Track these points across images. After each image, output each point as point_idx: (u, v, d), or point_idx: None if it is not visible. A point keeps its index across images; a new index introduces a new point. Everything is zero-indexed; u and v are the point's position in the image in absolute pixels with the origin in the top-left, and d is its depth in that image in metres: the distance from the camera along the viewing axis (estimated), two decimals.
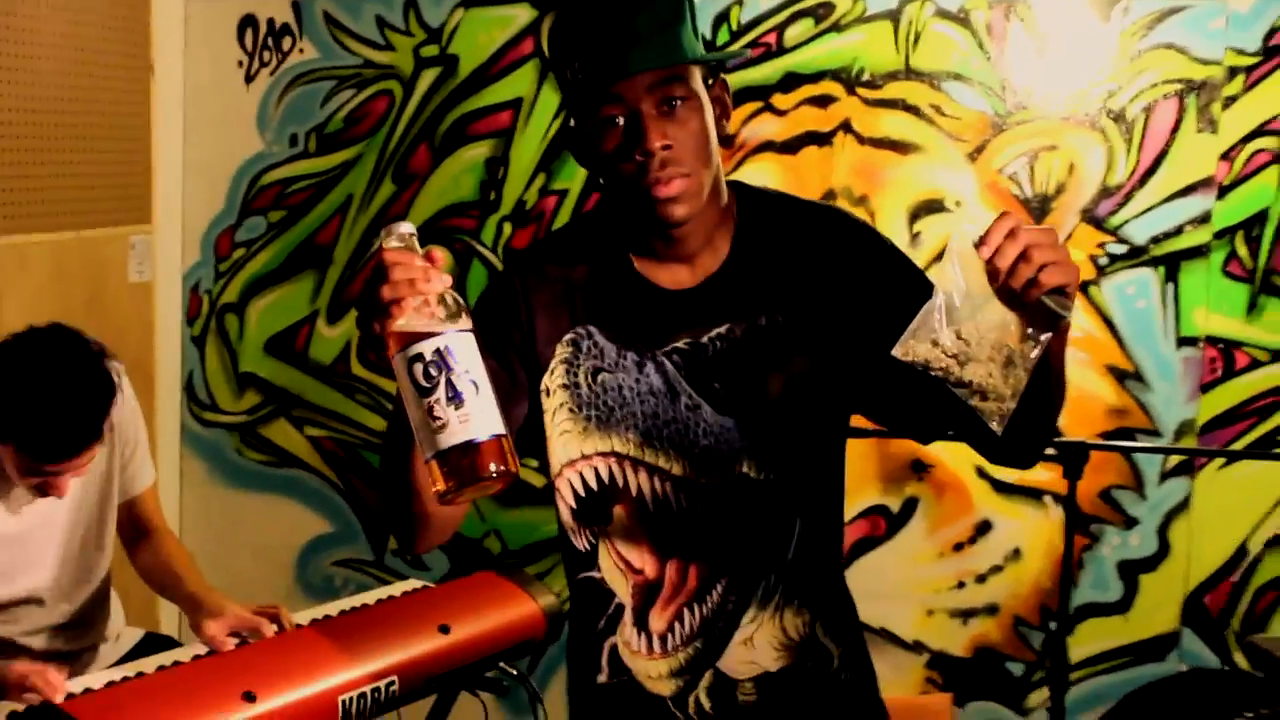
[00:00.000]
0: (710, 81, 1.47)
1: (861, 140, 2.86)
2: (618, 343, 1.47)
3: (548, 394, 1.47)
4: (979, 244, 1.24)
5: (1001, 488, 2.89)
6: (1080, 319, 2.75)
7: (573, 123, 1.48)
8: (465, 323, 1.21)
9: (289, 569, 3.22)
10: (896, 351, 1.25)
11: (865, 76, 2.85)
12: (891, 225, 2.84)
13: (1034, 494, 2.89)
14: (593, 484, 1.47)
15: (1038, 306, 1.24)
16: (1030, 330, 1.25)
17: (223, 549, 3.21)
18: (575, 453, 1.47)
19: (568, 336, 1.48)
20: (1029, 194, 2.82)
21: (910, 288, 1.42)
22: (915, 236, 2.86)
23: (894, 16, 2.81)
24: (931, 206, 2.86)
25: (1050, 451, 2.43)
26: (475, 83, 3.03)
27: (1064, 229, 2.79)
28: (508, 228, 3.06)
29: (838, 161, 2.87)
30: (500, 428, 1.19)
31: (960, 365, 1.25)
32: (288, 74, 3.13)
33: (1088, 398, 2.80)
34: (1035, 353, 1.25)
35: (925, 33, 2.81)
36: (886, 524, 2.95)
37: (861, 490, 2.92)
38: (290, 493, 3.23)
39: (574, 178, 3.00)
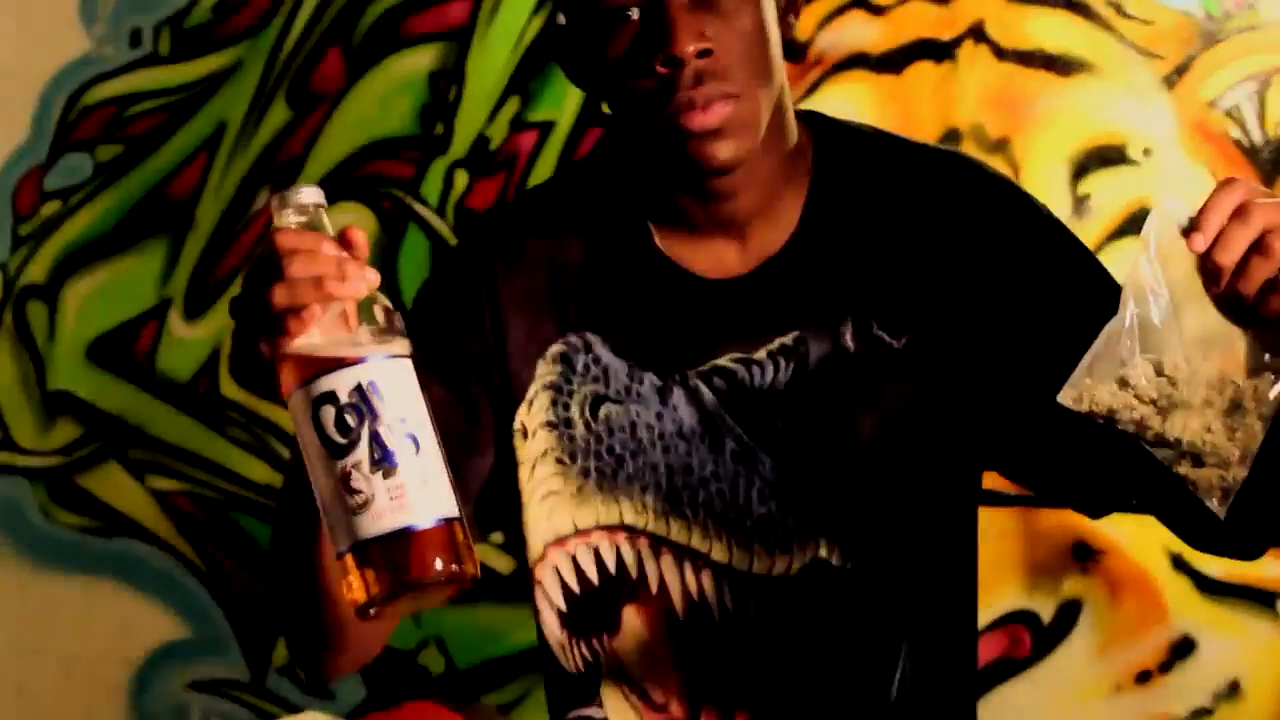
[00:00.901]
0: None
1: (1001, 54, 2.88)
2: (630, 359, 1.51)
3: (525, 435, 1.52)
4: (1190, 229, 1.26)
5: (1211, 587, 2.89)
6: None
7: (562, 18, 1.52)
8: (400, 344, 1.25)
9: (120, 693, 3.23)
10: (1065, 398, 1.27)
11: None
12: (1045, 183, 2.86)
13: (1263, 598, 2.89)
14: (592, 573, 1.51)
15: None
16: (1269, 359, 1.28)
17: (16, 661, 3.23)
18: (567, 526, 1.51)
19: (554, 349, 1.52)
20: (1258, 139, 2.84)
21: (1081, 288, 1.47)
22: (1080, 202, 2.88)
23: None
24: (1107, 156, 2.87)
25: None
26: None
27: None
28: (462, 178, 3.07)
29: (964, 85, 2.88)
30: (451, 507, 1.21)
31: (1162, 415, 1.27)
32: None
33: None
34: (1276, 393, 1.28)
35: None
36: (1034, 639, 2.94)
37: (997, 587, 2.93)
38: (123, 575, 3.22)
39: (564, 104, 3.03)
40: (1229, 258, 1.23)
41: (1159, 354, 1.26)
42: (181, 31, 3.11)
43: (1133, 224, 2.83)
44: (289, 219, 1.28)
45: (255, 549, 3.10)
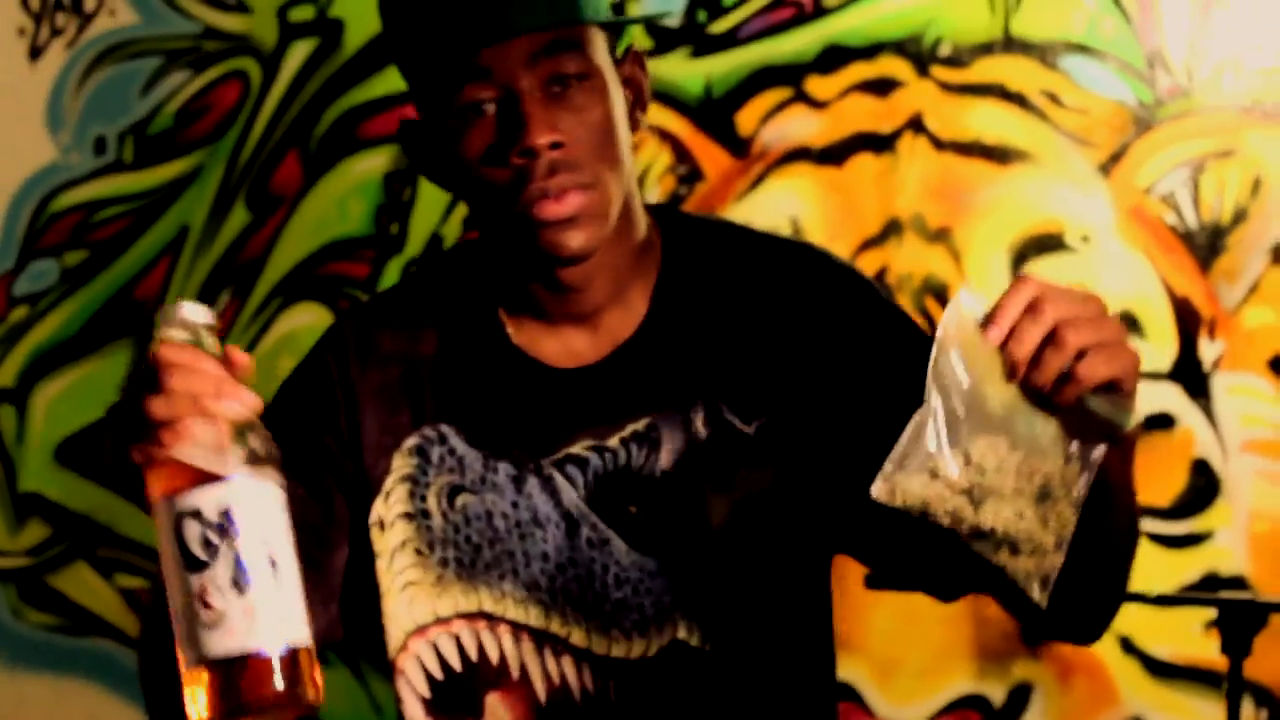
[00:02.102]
0: (620, 57, 1.53)
1: (940, 145, 2.91)
2: (485, 449, 1.52)
3: (382, 528, 1.52)
4: (985, 322, 1.26)
5: (1159, 669, 2.90)
6: (1266, 409, 2.80)
7: (419, 116, 1.53)
8: (271, 472, 1.24)
9: None
10: (878, 491, 1.28)
11: (945, 50, 2.89)
12: (986, 271, 2.90)
13: (1210, 679, 2.86)
14: (454, 661, 1.51)
15: (1081, 411, 1.26)
16: (1074, 447, 1.28)
17: None
18: (427, 615, 1.52)
19: (410, 442, 1.52)
20: (1193, 224, 2.86)
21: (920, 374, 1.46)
22: None
23: None
24: (1045, 243, 2.90)
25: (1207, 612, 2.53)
26: (368, 61, 3.08)
27: (1246, 275, 2.83)
28: None
29: (905, 176, 2.91)
30: (303, 634, 1.22)
31: (975, 505, 1.27)
32: (92, 47, 3.18)
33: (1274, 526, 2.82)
34: (1084, 481, 1.28)
35: None
36: None
37: (948, 672, 2.95)
38: (93, 673, 3.22)
39: None
40: (1023, 351, 1.23)
41: (966, 444, 1.26)
42: (145, 138, 3.15)
43: None
44: (174, 333, 1.25)
45: None
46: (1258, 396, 2.81)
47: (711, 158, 2.91)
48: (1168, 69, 2.83)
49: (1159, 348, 2.81)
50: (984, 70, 2.87)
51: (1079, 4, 2.84)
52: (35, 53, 3.16)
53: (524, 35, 1.42)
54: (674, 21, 2.92)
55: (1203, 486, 2.83)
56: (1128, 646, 2.88)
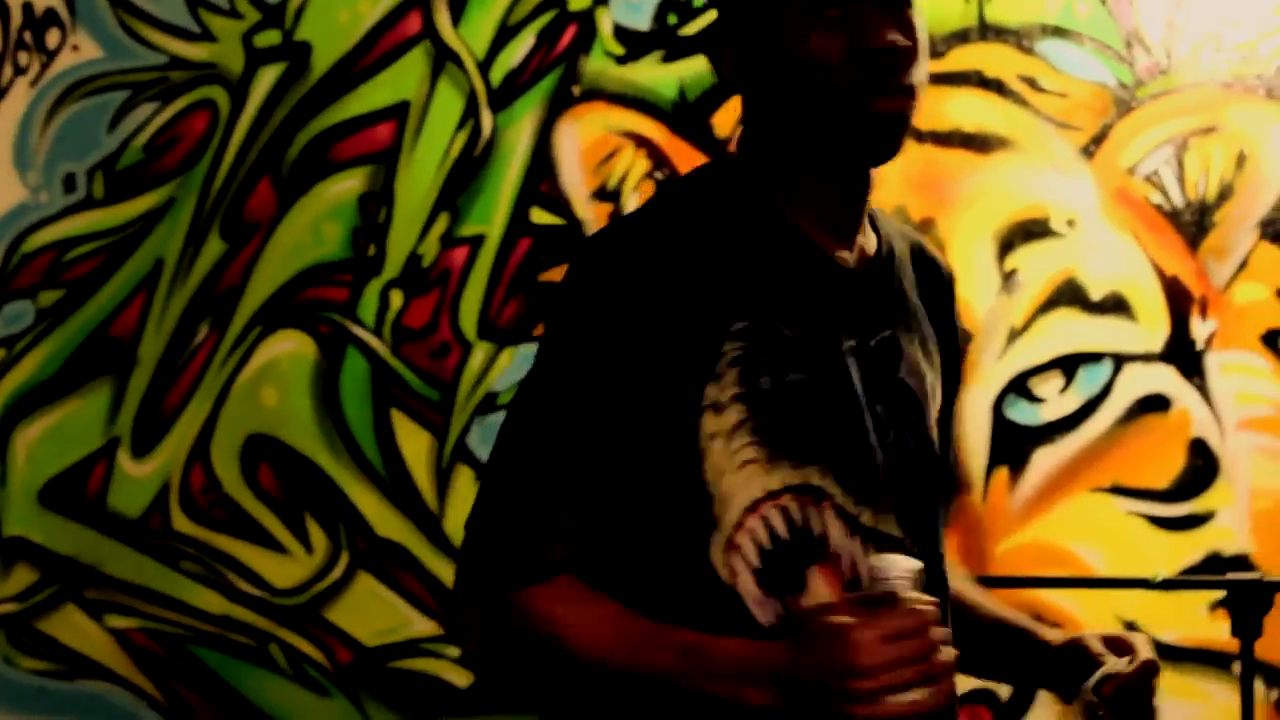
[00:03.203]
0: None
1: (919, 136, 2.89)
2: (803, 332, 1.57)
3: (716, 410, 1.54)
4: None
5: (1168, 652, 2.86)
6: (1261, 385, 2.82)
7: (730, 24, 1.62)
8: None
9: None
10: None
11: None
12: (972, 261, 2.89)
13: (1219, 660, 2.86)
14: (782, 534, 1.55)
15: None
16: None
17: None
18: (759, 490, 1.55)
19: (736, 327, 1.55)
20: (1179, 202, 2.86)
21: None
22: (1008, 277, 2.91)
23: None
24: (1031, 230, 2.90)
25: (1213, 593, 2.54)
26: (337, 83, 3.08)
27: (1235, 251, 2.85)
28: (397, 297, 3.09)
29: (885, 169, 2.80)
30: None
31: None
32: (57, 83, 3.16)
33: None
34: None
35: None
36: (994, 717, 2.93)
37: None
38: (86, 716, 3.20)
39: (493, 217, 3.06)
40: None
41: None
42: (114, 174, 3.12)
43: (1061, 295, 2.83)
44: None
45: (215, 681, 3.08)
46: (1253, 373, 2.80)
47: (689, 161, 2.88)
48: (1146, 48, 2.83)
49: (1150, 329, 2.81)
50: (960, 58, 2.86)
51: None
52: (0, 91, 3.15)
53: None
54: (644, 26, 2.91)
55: (1201, 466, 2.82)
56: (1133, 630, 2.85)
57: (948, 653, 1.42)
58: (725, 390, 1.54)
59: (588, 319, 1.57)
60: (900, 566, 1.44)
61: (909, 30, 1.54)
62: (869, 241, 1.63)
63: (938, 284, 1.74)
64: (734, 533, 1.54)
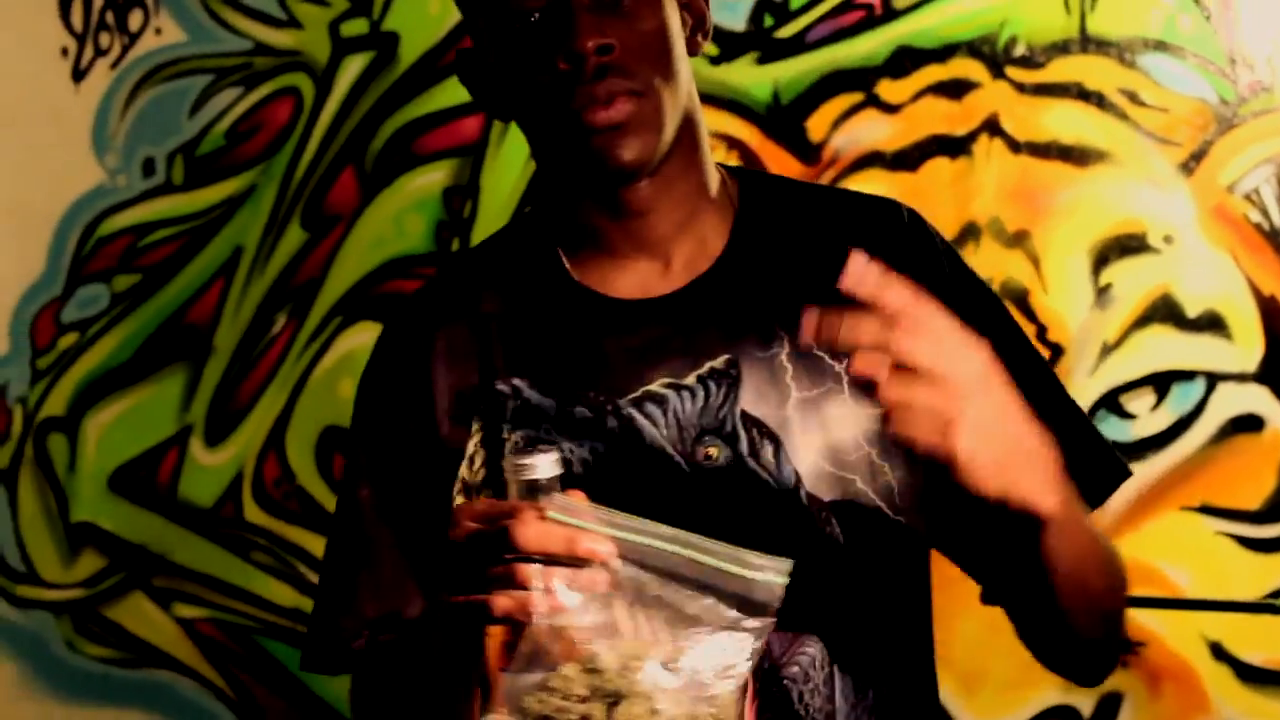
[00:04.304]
0: None
1: (1016, 147, 2.87)
2: (558, 396, 1.48)
3: (473, 493, 1.50)
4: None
5: (1252, 675, 2.86)
6: None
7: (473, 43, 1.53)
8: None
9: None
10: None
11: (1019, 50, 2.87)
12: (1066, 274, 2.86)
13: None
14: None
15: None
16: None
17: None
18: None
19: (483, 401, 1.50)
20: (1277, 221, 2.82)
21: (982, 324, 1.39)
22: (1103, 292, 2.86)
23: None
24: (1127, 245, 2.86)
25: None
26: (424, 75, 3.04)
27: None
28: None
29: (981, 179, 2.88)
30: None
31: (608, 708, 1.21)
32: (138, 66, 3.13)
33: None
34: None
35: None
36: None
37: (1033, 683, 2.89)
38: (152, 706, 3.19)
39: None
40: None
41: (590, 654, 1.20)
42: (194, 159, 3.10)
43: (1156, 312, 2.80)
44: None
45: (283, 674, 3.07)
46: None
47: (782, 165, 2.86)
48: (1249, 65, 2.79)
49: (1245, 348, 2.77)
50: (1060, 70, 2.83)
51: (1156, 1, 2.81)
52: (79, 74, 3.12)
53: None
54: (739, 27, 2.88)
55: None
56: (1219, 653, 2.84)
57: (536, 571, 1.23)
58: (477, 473, 1.49)
59: (360, 403, 1.57)
60: (540, 466, 1.26)
61: (629, 21, 1.44)
62: (697, 259, 1.51)
63: (907, 258, 1.52)
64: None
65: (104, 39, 3.10)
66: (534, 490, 1.25)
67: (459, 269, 1.62)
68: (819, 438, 1.47)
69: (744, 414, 1.46)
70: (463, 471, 1.48)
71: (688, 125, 1.50)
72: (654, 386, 1.47)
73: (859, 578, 1.49)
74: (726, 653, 1.20)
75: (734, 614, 1.21)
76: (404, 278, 3.04)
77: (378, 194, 3.05)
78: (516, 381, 1.49)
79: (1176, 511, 2.81)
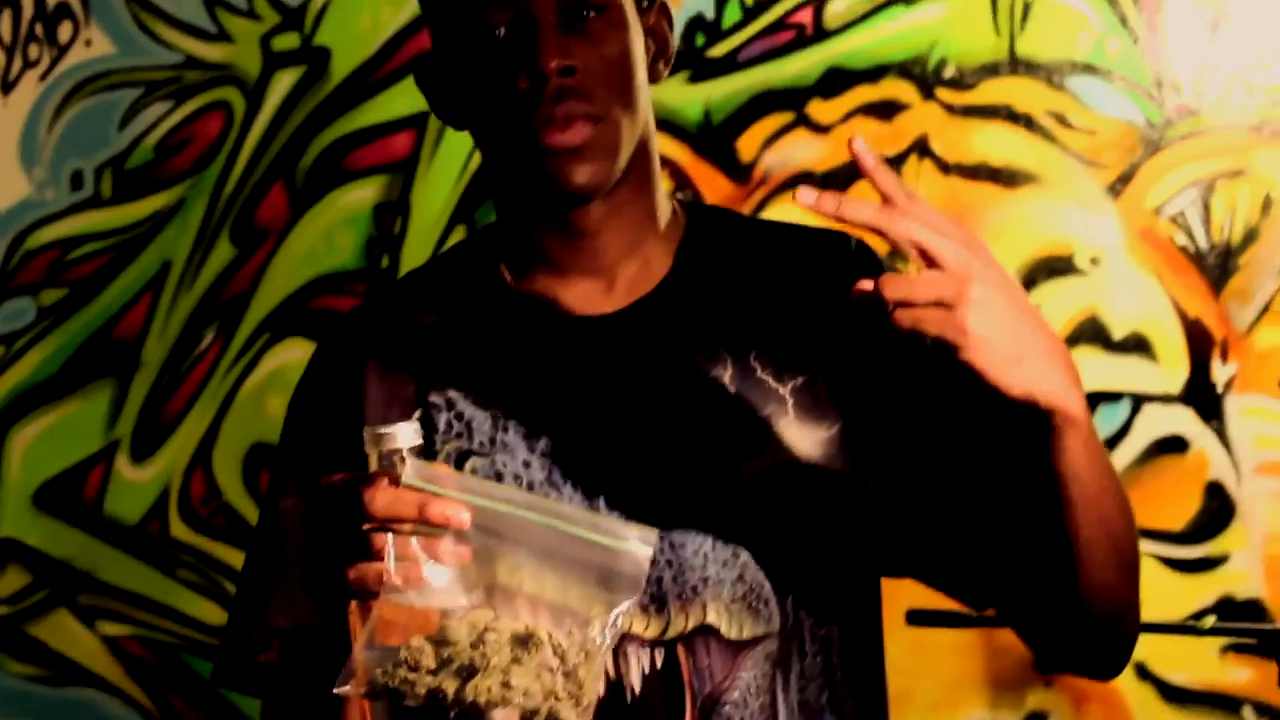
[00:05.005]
0: (646, 5, 1.53)
1: (945, 168, 2.89)
2: (493, 409, 1.48)
3: None
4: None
5: (1176, 695, 2.87)
6: None
7: (433, 48, 1.53)
8: None
9: None
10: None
11: (949, 72, 2.88)
12: None
13: (1229, 704, 2.85)
14: None
15: None
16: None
17: None
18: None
19: (416, 413, 1.48)
20: (1204, 244, 2.84)
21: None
22: None
23: None
24: (1054, 267, 2.88)
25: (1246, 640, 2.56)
26: (355, 90, 3.04)
27: (1258, 295, 2.83)
28: None
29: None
30: None
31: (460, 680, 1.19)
32: (68, 78, 3.12)
33: None
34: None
35: (1038, 3, 2.84)
36: None
37: (959, 703, 2.90)
38: None
39: None
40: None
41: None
42: (123, 173, 3.08)
43: (1083, 333, 2.81)
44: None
45: (207, 691, 3.04)
46: (1272, 417, 2.78)
47: (712, 184, 2.87)
48: (1176, 89, 2.81)
49: (1171, 370, 2.79)
50: (989, 92, 2.85)
51: (1085, 24, 2.82)
52: (7, 85, 3.10)
53: None
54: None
55: (1217, 510, 2.80)
56: (1143, 673, 2.86)
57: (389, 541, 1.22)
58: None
59: (290, 416, 1.58)
60: (400, 434, 1.26)
61: (593, 44, 1.44)
62: (642, 280, 1.51)
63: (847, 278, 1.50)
64: None
65: (33, 50, 3.08)
66: (392, 459, 1.24)
67: (397, 287, 1.63)
68: (760, 464, 1.47)
69: (687, 434, 1.46)
70: None
71: (642, 151, 1.50)
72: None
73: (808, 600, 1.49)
74: (586, 627, 1.19)
75: (595, 586, 1.20)
76: (334, 294, 3.03)
77: (308, 210, 3.04)
78: (451, 393, 1.48)
79: None
